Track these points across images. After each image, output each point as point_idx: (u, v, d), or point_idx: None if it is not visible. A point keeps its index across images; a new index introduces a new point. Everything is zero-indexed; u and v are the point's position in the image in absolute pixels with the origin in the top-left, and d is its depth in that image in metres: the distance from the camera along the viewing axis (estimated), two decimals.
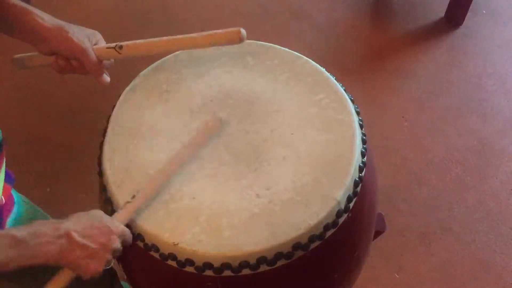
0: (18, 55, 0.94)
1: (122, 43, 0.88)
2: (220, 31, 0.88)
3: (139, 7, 2.35)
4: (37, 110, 2.00)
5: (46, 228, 0.69)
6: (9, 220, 0.87)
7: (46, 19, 0.83)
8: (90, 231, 0.72)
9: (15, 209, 0.89)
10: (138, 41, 0.90)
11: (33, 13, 0.82)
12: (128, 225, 0.77)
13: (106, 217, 0.75)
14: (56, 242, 0.68)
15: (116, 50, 0.87)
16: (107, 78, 0.90)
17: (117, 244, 0.74)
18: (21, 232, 0.67)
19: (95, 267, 0.72)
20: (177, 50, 0.95)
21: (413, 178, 1.81)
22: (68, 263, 0.71)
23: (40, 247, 0.68)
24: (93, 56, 0.85)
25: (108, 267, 0.74)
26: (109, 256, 0.73)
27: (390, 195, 1.75)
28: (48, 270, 0.88)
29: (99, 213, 0.76)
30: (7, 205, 0.86)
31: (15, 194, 0.91)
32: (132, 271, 0.90)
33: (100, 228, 0.73)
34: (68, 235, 0.69)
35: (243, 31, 0.86)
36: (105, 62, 0.89)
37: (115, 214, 0.77)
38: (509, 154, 1.87)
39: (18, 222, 0.89)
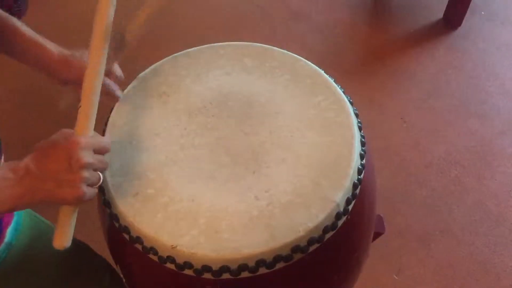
0: (62, 102, 0.94)
1: (118, 34, 0.86)
2: None
3: (136, 10, 2.34)
4: (35, 113, 1.99)
5: (4, 172, 0.65)
6: (8, 230, 0.86)
7: (55, 51, 0.84)
8: (49, 158, 0.66)
9: (15, 219, 0.88)
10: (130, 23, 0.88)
11: (42, 46, 0.84)
12: (126, 228, 0.77)
13: (63, 136, 0.69)
14: (20, 183, 0.65)
15: (118, 45, 0.86)
16: (119, 93, 0.89)
17: (85, 158, 0.67)
18: None
19: (71, 193, 0.66)
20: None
21: (412, 180, 1.81)
22: (44, 200, 0.67)
23: (5, 192, 0.64)
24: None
25: (98, 184, 0.70)
26: (83, 175, 0.66)
27: (389, 196, 1.75)
28: (45, 279, 0.87)
29: (55, 136, 0.69)
30: (6, 216, 0.86)
31: None
32: (131, 274, 0.89)
33: (56, 152, 0.67)
34: (28, 172, 0.65)
35: None
36: (115, 77, 0.89)
37: (75, 129, 0.73)
38: (508, 155, 1.88)
39: (18, 232, 0.88)
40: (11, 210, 0.67)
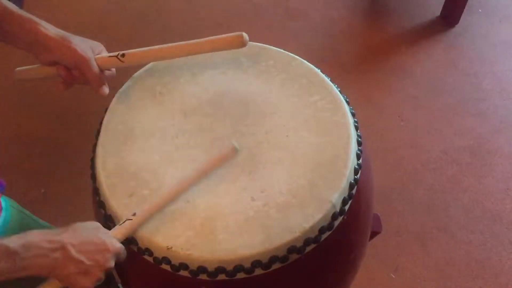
0: (20, 68, 0.93)
1: (124, 52, 0.88)
2: (223, 36, 0.88)
3: (133, 9, 2.34)
4: (31, 111, 1.98)
5: (40, 240, 0.67)
6: None
7: (49, 28, 0.83)
8: (86, 246, 0.70)
9: (2, 215, 0.87)
10: (140, 49, 0.90)
11: (37, 22, 0.82)
12: None
13: (103, 231, 0.74)
14: (50, 256, 0.67)
15: (118, 59, 0.87)
16: (106, 89, 0.89)
17: (112, 263, 0.72)
18: (13, 243, 0.65)
19: (86, 284, 0.70)
20: (178, 57, 0.93)
21: (409, 178, 1.81)
22: (59, 277, 0.70)
23: (33, 260, 0.66)
24: (95, 66, 0.85)
25: (99, 283, 0.73)
26: (102, 274, 0.71)
27: (386, 195, 1.75)
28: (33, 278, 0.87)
29: (96, 226, 0.74)
30: None
31: (3, 200, 0.89)
32: (126, 275, 0.89)
33: (97, 244, 0.71)
34: (63, 249, 0.68)
35: (245, 35, 0.87)
36: (107, 73, 0.89)
37: (113, 229, 0.75)
38: (505, 153, 1.88)
39: (6, 228, 0.87)
40: (26, 275, 0.68)
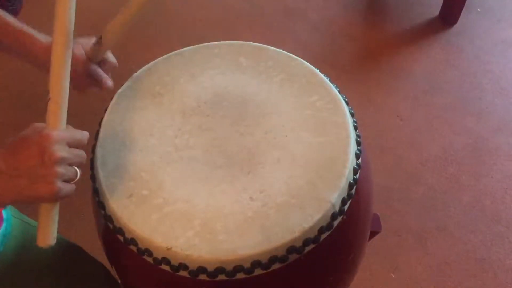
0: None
1: (100, 35, 0.85)
2: None
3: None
4: (29, 111, 1.98)
5: None
6: None
7: (44, 41, 0.83)
8: (18, 155, 0.63)
9: (3, 225, 0.87)
10: (111, 23, 0.85)
11: (32, 35, 0.82)
12: (120, 229, 0.77)
13: (33, 130, 0.65)
14: None
15: (99, 43, 0.84)
16: (109, 82, 0.88)
17: (59, 152, 0.64)
18: None
19: (46, 189, 0.63)
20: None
21: (409, 178, 1.81)
22: (16, 200, 0.64)
23: None
24: (89, 63, 0.84)
25: (75, 179, 0.67)
26: (57, 170, 0.63)
27: (385, 195, 1.75)
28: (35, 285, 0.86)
29: (28, 130, 0.66)
30: None
31: (4, 212, 0.89)
32: (126, 276, 0.89)
33: (26, 147, 0.63)
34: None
35: None
36: (107, 64, 0.89)
37: (46, 122, 0.70)
38: (504, 152, 1.88)
39: (7, 238, 0.87)
40: None
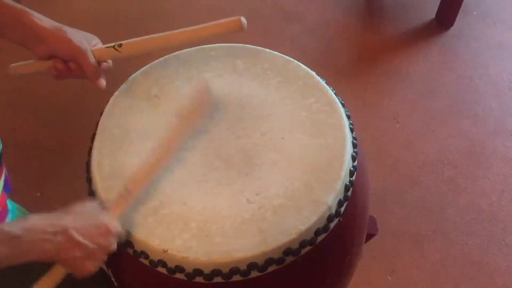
0: (16, 64, 0.92)
1: (121, 42, 0.87)
2: (219, 21, 0.86)
3: (132, 10, 2.34)
4: (26, 113, 1.98)
5: (42, 224, 0.66)
6: None
7: (44, 20, 0.82)
8: (89, 229, 0.69)
9: (9, 217, 0.87)
10: (137, 39, 0.88)
11: (32, 14, 0.81)
12: None
13: (102, 213, 0.73)
14: (53, 240, 0.65)
15: (115, 49, 0.86)
16: (103, 81, 0.88)
17: (114, 245, 0.72)
18: (14, 227, 0.64)
19: (90, 267, 0.70)
20: (178, 45, 0.90)
21: (405, 180, 1.81)
22: (62, 262, 0.69)
23: (35, 244, 0.65)
24: (92, 58, 0.84)
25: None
26: (105, 257, 0.71)
27: (382, 197, 1.75)
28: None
29: (95, 208, 0.73)
30: (1, 215, 0.85)
31: (9, 203, 0.89)
32: (122, 278, 0.89)
33: (98, 227, 0.70)
34: (66, 233, 0.66)
35: (243, 19, 0.84)
36: (104, 65, 0.88)
37: (109, 208, 0.75)
38: (501, 155, 1.88)
39: None
40: (27, 261, 0.66)
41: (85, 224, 0.69)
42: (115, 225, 0.72)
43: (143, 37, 0.88)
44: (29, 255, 0.65)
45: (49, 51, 0.83)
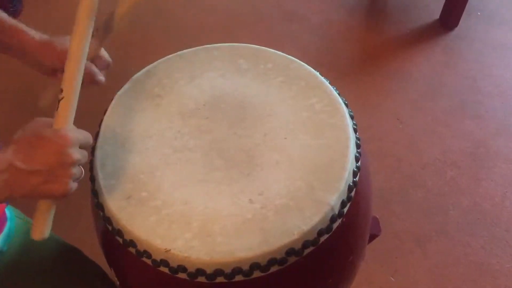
0: (42, 96, 0.94)
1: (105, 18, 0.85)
2: None
3: (134, 10, 2.34)
4: (29, 113, 1.98)
5: None
6: (1, 236, 0.85)
7: (35, 36, 0.82)
8: (33, 153, 0.64)
9: (7, 225, 0.87)
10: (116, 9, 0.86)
11: (25, 32, 0.82)
12: (119, 231, 0.76)
13: (47, 128, 0.67)
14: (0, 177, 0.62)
15: (93, 35, 0.84)
16: (101, 78, 0.87)
17: (75, 155, 0.66)
18: None
19: (60, 188, 0.65)
20: None
21: (408, 181, 1.81)
22: (26, 196, 0.65)
23: None
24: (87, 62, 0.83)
25: (79, 179, 0.69)
26: (72, 171, 0.65)
27: (385, 198, 1.75)
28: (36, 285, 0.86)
29: (36, 126, 0.67)
30: None
31: (8, 211, 0.89)
32: (125, 278, 0.89)
33: (45, 146, 0.64)
34: (10, 167, 0.62)
35: None
36: (102, 61, 0.87)
37: (55, 119, 0.70)
38: (504, 156, 1.88)
39: (10, 238, 0.87)
40: None
41: (28, 149, 0.64)
42: (63, 135, 0.66)
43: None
44: None
45: (47, 68, 0.84)
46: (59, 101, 0.72)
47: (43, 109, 0.93)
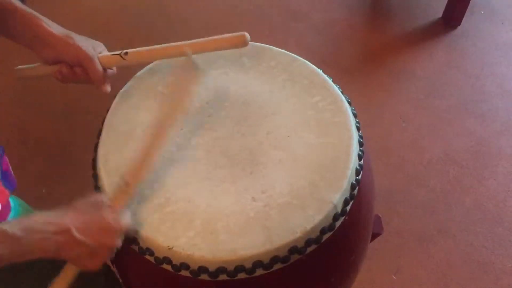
0: (20, 66, 0.93)
1: (127, 50, 0.88)
2: (225, 35, 0.87)
3: (135, 9, 2.34)
4: (33, 110, 1.99)
5: (43, 223, 0.66)
6: None
7: (52, 26, 0.83)
8: (90, 227, 0.69)
9: (11, 215, 0.88)
10: (143, 48, 0.90)
11: (40, 19, 0.83)
12: None
13: (104, 209, 0.72)
14: (53, 238, 0.66)
15: (121, 57, 0.88)
16: (108, 87, 0.89)
17: (119, 242, 0.72)
18: (15, 227, 0.64)
19: (93, 265, 0.71)
20: (182, 56, 0.92)
21: (411, 180, 1.80)
22: (67, 259, 0.70)
23: (35, 244, 0.65)
24: (98, 64, 0.86)
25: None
26: (108, 254, 0.72)
27: (387, 196, 1.75)
28: (44, 277, 0.87)
29: (99, 202, 0.73)
30: (3, 212, 0.85)
31: (12, 200, 0.90)
32: (127, 275, 0.89)
33: (100, 224, 0.70)
34: (66, 232, 0.67)
35: (247, 35, 0.85)
36: (108, 71, 0.90)
37: (111, 204, 0.75)
38: (507, 155, 1.87)
39: None
40: (28, 259, 0.67)
41: (86, 222, 0.69)
42: (118, 221, 0.72)
43: (148, 47, 0.90)
44: (29, 255, 0.65)
45: (56, 56, 0.85)
46: (121, 188, 0.76)
47: (20, 80, 0.93)
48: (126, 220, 0.73)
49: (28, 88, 2.03)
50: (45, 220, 0.67)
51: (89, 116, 1.80)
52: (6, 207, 0.87)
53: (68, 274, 0.74)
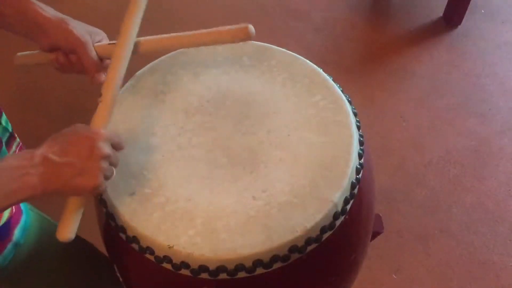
0: (21, 53, 0.93)
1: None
2: (227, 27, 0.84)
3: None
4: (35, 109, 1.99)
5: (18, 160, 0.63)
6: (17, 230, 0.85)
7: (47, 10, 0.82)
8: (67, 146, 0.66)
9: (23, 218, 0.87)
10: (141, 38, 0.87)
11: (34, 3, 0.81)
12: (122, 227, 0.77)
13: (82, 127, 0.70)
14: (32, 171, 0.62)
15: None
16: (102, 76, 0.86)
17: (106, 149, 0.68)
18: None
19: (91, 181, 0.67)
20: (182, 47, 0.91)
21: (411, 179, 1.80)
22: (58, 190, 0.66)
23: (17, 182, 0.62)
24: (92, 51, 0.83)
25: (110, 178, 0.70)
26: (102, 165, 0.67)
27: (388, 195, 1.75)
28: (50, 277, 0.87)
29: (73, 127, 0.69)
30: (15, 215, 0.85)
31: (22, 204, 0.89)
32: (127, 274, 0.89)
33: (78, 140, 0.67)
34: (45, 160, 0.64)
35: (251, 27, 0.83)
36: (106, 62, 0.87)
37: (91, 121, 0.73)
38: (508, 154, 1.87)
39: (26, 231, 0.87)
40: (20, 201, 0.65)
41: (61, 143, 0.66)
42: (96, 131, 0.69)
43: (146, 37, 0.88)
44: (16, 195, 0.63)
45: (51, 43, 0.82)
46: (99, 101, 0.75)
47: (18, 67, 0.93)
48: (104, 130, 0.70)
49: (29, 86, 2.03)
50: (21, 156, 0.64)
51: (90, 115, 1.80)
52: (18, 210, 0.87)
53: (72, 208, 0.71)
